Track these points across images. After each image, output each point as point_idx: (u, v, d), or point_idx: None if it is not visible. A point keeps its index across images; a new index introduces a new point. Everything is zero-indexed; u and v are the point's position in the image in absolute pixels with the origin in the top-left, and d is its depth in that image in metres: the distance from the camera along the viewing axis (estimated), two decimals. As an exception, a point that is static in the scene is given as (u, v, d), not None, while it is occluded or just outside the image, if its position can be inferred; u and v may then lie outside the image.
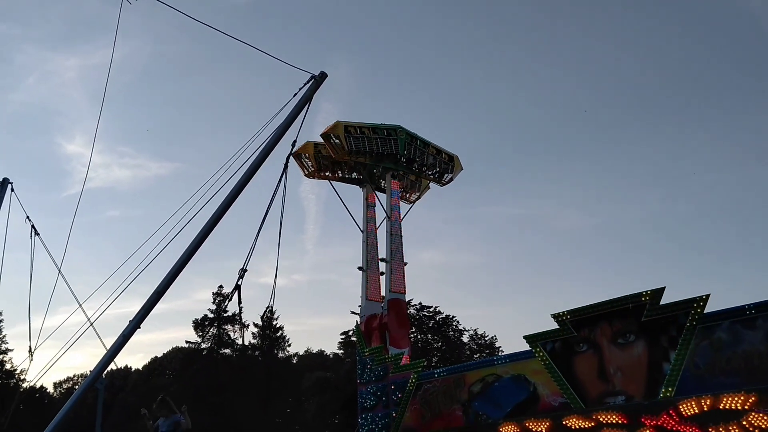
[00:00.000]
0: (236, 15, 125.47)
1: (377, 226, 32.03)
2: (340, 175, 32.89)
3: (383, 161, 32.34)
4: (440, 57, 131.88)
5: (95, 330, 17.17)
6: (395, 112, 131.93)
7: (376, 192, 32.78)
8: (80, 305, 18.58)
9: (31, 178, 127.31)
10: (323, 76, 14.72)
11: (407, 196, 34.69)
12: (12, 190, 21.94)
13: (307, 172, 31.93)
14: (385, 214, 31.59)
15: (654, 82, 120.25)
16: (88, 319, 16.18)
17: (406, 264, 31.56)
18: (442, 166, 34.30)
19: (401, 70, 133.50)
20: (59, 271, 20.83)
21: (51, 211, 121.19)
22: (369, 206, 32.35)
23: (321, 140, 31.09)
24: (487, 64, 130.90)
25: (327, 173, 32.74)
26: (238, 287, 14.05)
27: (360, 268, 31.19)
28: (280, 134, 14.43)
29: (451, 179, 35.42)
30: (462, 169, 35.12)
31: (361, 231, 31.99)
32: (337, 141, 30.74)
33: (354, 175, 32.94)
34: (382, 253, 31.06)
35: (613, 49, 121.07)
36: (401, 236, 31.96)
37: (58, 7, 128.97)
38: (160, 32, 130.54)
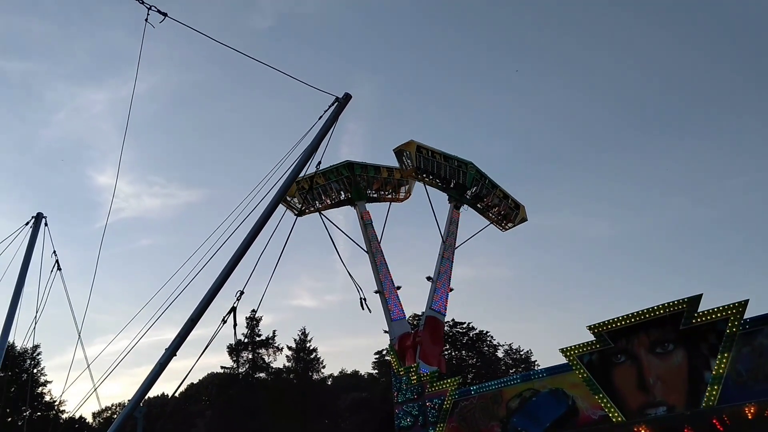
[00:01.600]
0: (258, 39, 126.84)
1: (379, 239, 32.37)
2: (330, 202, 32.84)
3: (449, 190, 33.33)
4: (462, 74, 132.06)
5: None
6: (419, 129, 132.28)
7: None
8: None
9: (64, 211, 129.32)
10: (347, 97, 14.78)
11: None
12: (46, 224, 22.27)
13: (296, 212, 31.74)
14: (441, 238, 32.25)
15: (674, 91, 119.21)
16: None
17: (452, 290, 31.94)
18: (506, 210, 35.02)
19: (424, 89, 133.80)
20: (71, 308, 21.04)
21: (84, 243, 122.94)
22: (366, 224, 32.51)
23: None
24: (508, 80, 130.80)
25: (316, 205, 32.76)
26: (233, 309, 14.05)
27: (377, 292, 31.38)
28: (307, 157, 14.50)
29: (513, 226, 36.10)
30: (526, 219, 35.73)
31: (366, 252, 32.14)
32: (408, 159, 31.87)
33: (342, 196, 32.94)
34: (392, 268, 31.76)
35: (634, 63, 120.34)
36: (452, 261, 32.42)
37: (84, 42, 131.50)
38: (184, 60, 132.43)
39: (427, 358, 28.89)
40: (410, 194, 35.08)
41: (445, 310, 31.80)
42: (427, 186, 33.06)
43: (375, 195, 34.10)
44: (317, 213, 32.25)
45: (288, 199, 31.07)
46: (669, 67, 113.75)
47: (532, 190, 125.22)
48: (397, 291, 31.73)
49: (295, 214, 30.85)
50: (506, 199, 35.14)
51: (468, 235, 35.07)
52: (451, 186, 33.58)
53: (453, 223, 33.22)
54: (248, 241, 14.08)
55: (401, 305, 31.40)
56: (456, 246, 32.94)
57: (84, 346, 20.93)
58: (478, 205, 34.69)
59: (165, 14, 14.16)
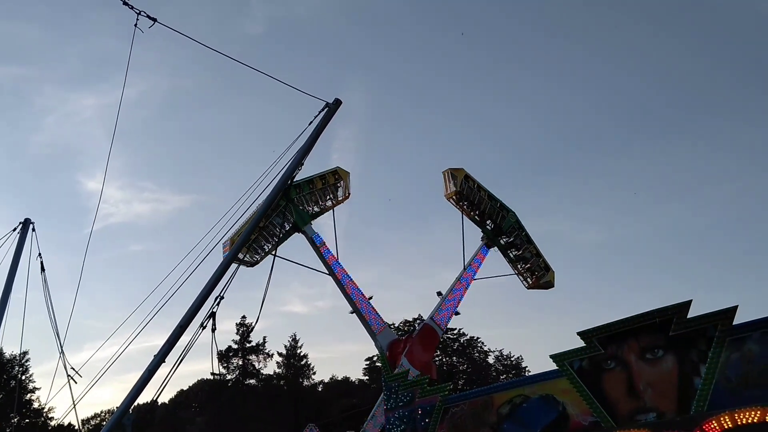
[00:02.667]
0: (249, 44, 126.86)
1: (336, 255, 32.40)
2: (278, 239, 32.33)
3: (484, 228, 33.88)
4: (454, 80, 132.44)
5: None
6: (411, 135, 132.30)
7: None
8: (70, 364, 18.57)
9: (54, 217, 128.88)
10: (337, 103, 14.77)
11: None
12: (33, 230, 22.13)
13: (250, 265, 31.83)
14: (462, 265, 32.81)
15: (666, 97, 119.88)
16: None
17: (458, 314, 32.32)
18: (535, 268, 35.42)
19: (416, 94, 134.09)
20: (51, 312, 20.81)
21: (74, 249, 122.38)
22: (319, 247, 32.52)
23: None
24: (501, 86, 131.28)
25: (266, 248, 32.62)
26: (213, 314, 13.98)
27: (351, 312, 31.62)
28: (298, 162, 14.48)
29: (536, 287, 36.56)
30: (553, 286, 36.10)
31: (328, 273, 32.22)
32: (453, 182, 32.55)
33: (288, 226, 32.74)
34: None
35: (627, 68, 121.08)
36: (467, 288, 32.98)
37: (74, 48, 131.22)
38: (174, 66, 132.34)
39: (414, 362, 29.06)
40: (349, 192, 34.59)
41: (445, 326, 32.19)
42: (463, 216, 33.53)
43: (318, 209, 33.70)
44: (271, 255, 32.07)
45: (241, 256, 30.64)
46: (662, 72, 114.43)
47: (524, 194, 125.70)
48: (370, 301, 31.91)
49: (250, 266, 30.84)
50: (538, 257, 35.73)
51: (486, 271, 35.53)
52: (488, 225, 34.19)
53: (482, 254, 34.04)
54: (238, 246, 14.06)
55: (379, 316, 31.62)
56: (476, 278, 33.65)
57: (65, 355, 20.71)
58: (509, 253, 35.32)
59: (155, 19, 14.12)
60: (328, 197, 33.60)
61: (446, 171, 33.74)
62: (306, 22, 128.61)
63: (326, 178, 33.40)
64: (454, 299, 33.13)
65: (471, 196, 34.41)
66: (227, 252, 28.29)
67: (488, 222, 35.22)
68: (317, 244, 32.30)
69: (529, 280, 36.42)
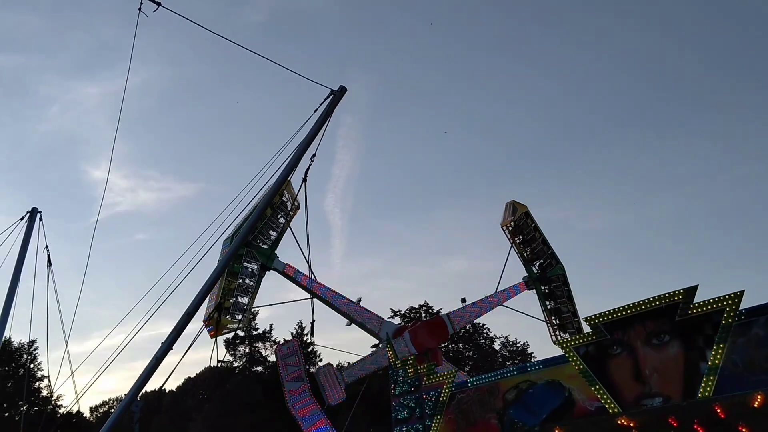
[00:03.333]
0: (254, 32, 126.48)
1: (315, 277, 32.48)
2: (254, 291, 31.81)
3: (530, 267, 34.22)
4: (459, 68, 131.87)
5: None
6: (415, 123, 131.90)
7: None
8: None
9: (60, 206, 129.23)
10: (342, 90, 14.78)
11: None
12: (40, 219, 22.20)
13: (242, 329, 31.41)
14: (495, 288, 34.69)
15: (667, 87, 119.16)
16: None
17: (464, 301, 32.66)
18: (569, 326, 35.62)
19: (420, 82, 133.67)
20: (58, 307, 21.00)
21: (79, 238, 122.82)
22: (296, 277, 32.41)
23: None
24: (505, 71, 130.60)
25: (247, 308, 31.84)
26: (220, 305, 14.07)
27: (348, 324, 31.91)
28: (303, 150, 14.51)
29: (559, 343, 36.68)
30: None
31: (311, 298, 32.10)
32: (512, 214, 32.81)
33: (257, 269, 31.97)
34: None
35: (628, 60, 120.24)
36: (489, 309, 33.45)
37: (76, 37, 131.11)
38: (178, 54, 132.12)
39: (415, 343, 29.33)
40: (297, 201, 33.14)
41: (458, 328, 32.48)
42: (512, 248, 33.84)
43: (275, 234, 32.80)
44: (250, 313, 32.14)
45: (230, 326, 30.64)
46: (662, 64, 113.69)
47: (528, 183, 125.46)
48: (360, 304, 32.03)
49: (240, 328, 30.82)
50: (575, 317, 35.57)
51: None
52: (534, 267, 34.49)
53: (515, 290, 34.41)
54: (244, 235, 14.09)
55: (374, 314, 31.95)
56: (503, 305, 34.09)
57: (68, 345, 20.89)
58: (547, 303, 35.44)
59: (159, 3, 14.14)
60: (279, 216, 32.67)
61: (510, 202, 34.48)
62: (308, 10, 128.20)
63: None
64: (474, 312, 33.74)
65: (526, 233, 34.72)
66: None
67: (535, 264, 35.45)
68: (293, 277, 32.07)
69: (558, 335, 36.28)
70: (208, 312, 27.90)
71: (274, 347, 37.04)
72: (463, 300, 33.42)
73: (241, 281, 30.19)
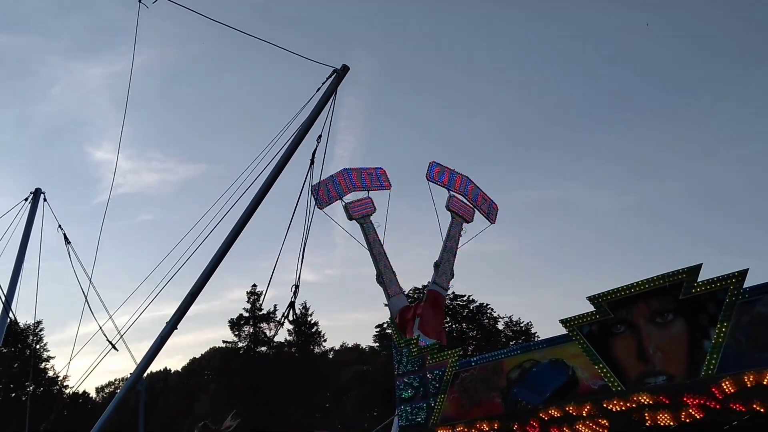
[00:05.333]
0: (255, 12, 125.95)
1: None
2: None
3: None
4: (462, 43, 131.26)
5: (125, 343, 17.36)
6: (419, 103, 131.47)
7: None
8: (110, 316, 18.80)
9: (62, 188, 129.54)
10: (345, 69, 14.69)
11: None
12: (45, 200, 22.19)
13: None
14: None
15: (678, 56, 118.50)
16: (118, 331, 16.37)
17: (453, 276, 32.44)
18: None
19: (425, 61, 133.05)
20: (90, 281, 21.01)
21: (83, 219, 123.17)
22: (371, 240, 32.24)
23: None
24: (511, 47, 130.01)
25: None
26: (292, 304, 14.15)
27: (379, 281, 31.68)
28: (305, 130, 14.47)
29: None
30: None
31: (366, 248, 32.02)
32: None
33: None
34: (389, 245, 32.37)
35: (640, 29, 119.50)
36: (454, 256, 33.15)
37: (78, 17, 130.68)
38: (180, 35, 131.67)
39: (426, 331, 29.19)
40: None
41: (448, 286, 32.26)
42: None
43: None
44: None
45: None
46: (665, 44, 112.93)
47: (535, 160, 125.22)
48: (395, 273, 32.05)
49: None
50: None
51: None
52: None
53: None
54: (247, 215, 14.11)
55: (399, 284, 31.80)
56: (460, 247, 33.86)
57: (96, 318, 20.85)
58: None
59: (159, -6, 14.00)
60: None
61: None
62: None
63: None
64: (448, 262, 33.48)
65: None
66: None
67: None
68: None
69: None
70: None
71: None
72: (436, 264, 33.32)
73: None
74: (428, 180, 34.46)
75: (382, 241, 31.97)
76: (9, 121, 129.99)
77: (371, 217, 32.04)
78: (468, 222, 34.88)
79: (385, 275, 31.44)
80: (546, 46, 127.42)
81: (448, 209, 34.25)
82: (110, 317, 18.97)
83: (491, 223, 35.95)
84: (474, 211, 35.18)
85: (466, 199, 35.13)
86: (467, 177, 35.46)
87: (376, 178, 33.03)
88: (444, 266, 32.52)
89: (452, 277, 32.70)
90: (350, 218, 31.73)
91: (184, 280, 14.82)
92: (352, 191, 32.02)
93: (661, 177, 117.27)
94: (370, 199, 32.47)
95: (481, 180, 35.73)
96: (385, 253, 31.95)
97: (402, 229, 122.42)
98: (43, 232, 21.74)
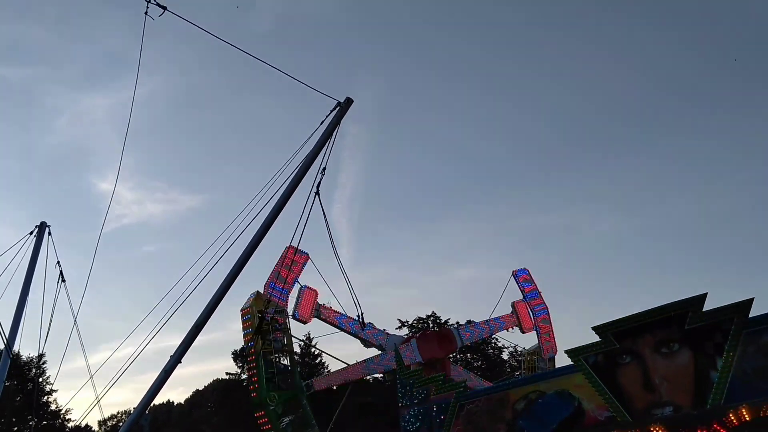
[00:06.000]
0: (257, 41, 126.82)
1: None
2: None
3: None
4: (464, 76, 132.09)
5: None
6: (422, 130, 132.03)
7: None
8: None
9: (66, 219, 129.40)
10: (349, 102, 14.77)
11: None
12: (49, 233, 22.23)
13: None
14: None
15: (675, 88, 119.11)
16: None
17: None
18: None
19: (426, 91, 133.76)
20: (75, 321, 21.03)
21: (87, 250, 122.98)
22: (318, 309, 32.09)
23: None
24: (511, 80, 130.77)
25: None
26: (259, 326, 14.10)
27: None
28: (309, 163, 14.51)
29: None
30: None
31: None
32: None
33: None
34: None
35: (633, 60, 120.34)
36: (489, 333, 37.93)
37: (83, 47, 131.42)
38: (184, 64, 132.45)
39: (422, 351, 29.41)
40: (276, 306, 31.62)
41: (465, 342, 33.17)
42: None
43: (280, 337, 32.30)
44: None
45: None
46: (669, 64, 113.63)
47: (535, 187, 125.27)
48: (366, 325, 31.82)
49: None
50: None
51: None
52: None
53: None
54: (251, 248, 14.10)
55: (377, 330, 32.01)
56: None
57: (86, 356, 20.89)
58: None
59: (164, 7, 14.13)
60: (275, 334, 31.66)
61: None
62: (315, 16, 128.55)
63: (264, 331, 30.84)
64: (484, 329, 34.82)
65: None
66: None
67: None
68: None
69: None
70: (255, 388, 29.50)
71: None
72: (469, 322, 34.68)
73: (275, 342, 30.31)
74: (513, 277, 37.36)
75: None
76: (14, 152, 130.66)
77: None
78: (522, 332, 37.91)
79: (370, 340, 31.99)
80: (551, 71, 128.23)
81: (513, 307, 37.12)
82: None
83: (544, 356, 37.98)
84: (533, 333, 37.80)
85: (534, 319, 37.51)
86: (547, 308, 37.91)
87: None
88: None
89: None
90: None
91: (188, 311, 14.84)
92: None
93: (665, 202, 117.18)
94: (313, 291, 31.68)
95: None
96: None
97: (405, 257, 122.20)
98: (48, 266, 21.81)
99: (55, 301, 21.11)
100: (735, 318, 13.51)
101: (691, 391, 13.97)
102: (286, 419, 30.24)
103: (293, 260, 29.05)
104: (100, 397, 16.69)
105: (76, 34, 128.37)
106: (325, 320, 31.72)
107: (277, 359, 30.80)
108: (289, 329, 31.72)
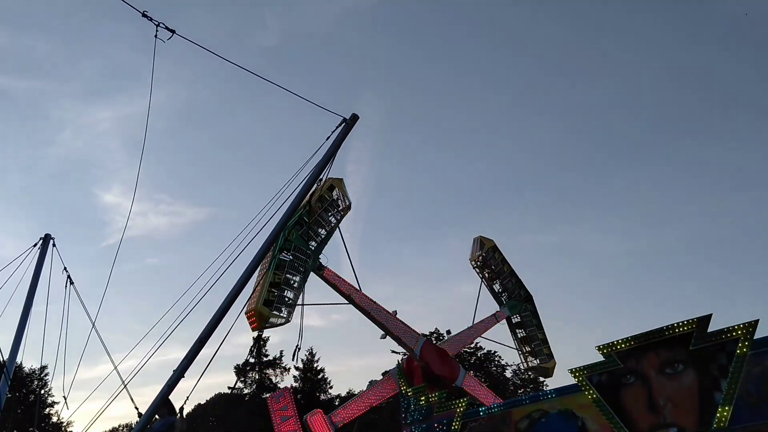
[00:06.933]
0: (264, 57, 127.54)
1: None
2: (298, 286, 30.77)
3: (500, 300, 35.31)
4: (470, 91, 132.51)
5: (128, 392, 17.33)
6: (427, 146, 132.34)
7: None
8: (115, 366, 18.74)
9: (71, 231, 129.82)
10: (354, 118, 14.84)
11: None
12: (54, 245, 22.29)
13: (284, 322, 30.00)
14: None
15: (685, 97, 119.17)
16: (122, 380, 16.30)
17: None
18: (539, 353, 36.95)
19: (431, 106, 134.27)
20: (93, 324, 20.96)
21: (91, 263, 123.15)
22: (336, 284, 31.77)
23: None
24: (517, 94, 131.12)
25: (298, 300, 30.93)
26: (259, 337, 14.11)
27: (383, 337, 31.73)
28: (315, 178, 14.59)
29: (533, 371, 38.51)
30: (551, 375, 38.21)
31: (348, 303, 31.79)
32: (480, 249, 35.47)
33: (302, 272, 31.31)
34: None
35: (643, 67, 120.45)
36: (473, 340, 34.94)
37: (89, 60, 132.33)
38: (191, 78, 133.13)
39: (425, 356, 29.31)
40: (349, 200, 32.85)
41: (419, 335, 32.71)
42: (482, 282, 34.98)
43: (325, 232, 32.23)
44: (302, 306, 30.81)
45: (273, 321, 29.28)
46: (679, 76, 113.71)
47: (541, 205, 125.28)
48: (396, 316, 31.77)
49: (285, 323, 29.92)
50: (544, 344, 37.16)
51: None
52: (503, 297, 35.68)
53: (491, 320, 35.39)
54: (256, 262, 14.13)
55: (412, 330, 31.65)
56: (476, 337, 35.29)
57: (110, 357, 20.75)
58: (517, 331, 36.86)
59: (173, 31, 14.24)
60: (330, 215, 32.13)
61: (477, 238, 35.46)
62: (319, 33, 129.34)
63: (323, 197, 31.61)
64: (458, 343, 34.77)
65: (494, 267, 35.61)
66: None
67: (504, 295, 36.37)
68: (333, 284, 31.56)
69: (530, 362, 38.00)
70: (251, 306, 27.24)
71: (268, 397, 36.18)
72: (448, 332, 34.62)
73: (289, 275, 29.74)
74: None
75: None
76: (19, 164, 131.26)
77: None
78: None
79: (393, 330, 31.53)
80: (549, 93, 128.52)
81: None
82: (116, 366, 18.90)
83: None
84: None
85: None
86: None
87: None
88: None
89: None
90: None
91: (191, 325, 14.85)
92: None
93: (668, 222, 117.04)
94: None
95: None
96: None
97: (408, 274, 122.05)
98: (52, 278, 21.83)
99: (66, 308, 21.01)
100: (740, 339, 13.44)
101: (695, 412, 13.88)
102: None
103: None
104: (102, 410, 16.68)
105: (81, 48, 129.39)
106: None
107: (292, 280, 30.07)
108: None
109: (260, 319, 27.78)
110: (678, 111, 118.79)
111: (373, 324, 31.10)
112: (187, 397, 15.28)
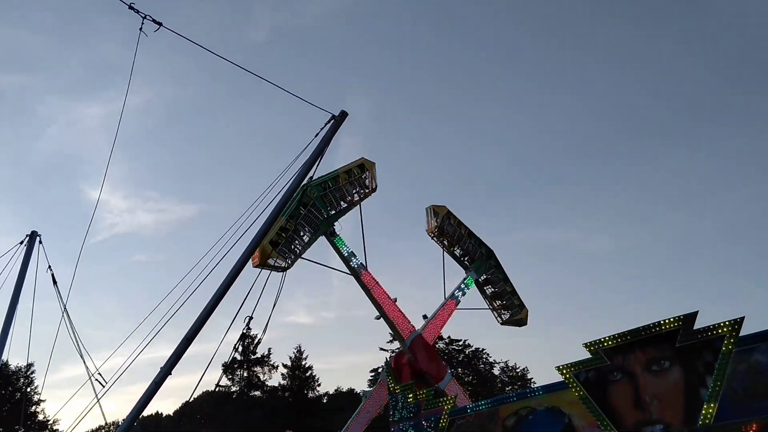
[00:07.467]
0: (253, 52, 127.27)
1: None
2: (306, 242, 31.40)
3: (463, 263, 34.97)
4: (459, 86, 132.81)
5: (97, 397, 17.27)
6: (415, 142, 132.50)
7: None
8: (96, 368, 18.63)
9: (57, 227, 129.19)
10: (343, 115, 14.81)
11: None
12: (40, 242, 22.15)
13: (283, 269, 30.16)
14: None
15: (672, 103, 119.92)
16: (104, 383, 16.22)
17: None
18: (510, 306, 36.57)
19: (419, 103, 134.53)
20: (69, 326, 20.81)
21: (76, 259, 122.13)
22: (347, 255, 31.99)
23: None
24: (504, 93, 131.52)
25: (297, 251, 31.29)
26: (244, 335, 14.08)
27: (378, 317, 31.64)
28: (303, 175, 14.56)
29: (508, 324, 37.87)
30: (525, 324, 37.57)
31: (350, 274, 31.87)
32: (435, 218, 34.38)
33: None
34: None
35: (630, 74, 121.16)
36: (450, 315, 34.12)
37: (77, 56, 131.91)
38: (179, 74, 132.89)
39: (414, 350, 29.22)
40: (376, 183, 33.42)
41: (432, 342, 32.47)
42: (443, 251, 34.66)
43: (345, 204, 32.87)
44: (301, 259, 31.05)
45: (271, 262, 29.36)
46: (667, 79, 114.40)
47: (530, 203, 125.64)
48: (396, 304, 31.87)
49: (284, 269, 29.88)
50: (514, 296, 36.94)
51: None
52: (465, 261, 35.33)
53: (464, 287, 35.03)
54: (243, 259, 14.09)
55: (407, 319, 31.67)
56: (458, 308, 34.72)
57: (85, 363, 20.69)
58: (485, 289, 36.56)
59: (160, 23, 14.16)
60: (354, 191, 32.77)
61: (429, 207, 35.13)
62: (309, 28, 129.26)
63: (352, 171, 32.37)
64: (438, 324, 34.18)
65: (451, 233, 35.42)
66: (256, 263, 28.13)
67: (466, 258, 36.23)
68: (343, 252, 31.75)
69: (503, 316, 37.75)
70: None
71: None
72: (425, 317, 33.77)
73: (300, 228, 29.90)
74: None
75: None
76: (6, 160, 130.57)
77: None
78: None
79: (389, 314, 31.46)
80: (539, 95, 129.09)
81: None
82: (104, 361, 18.83)
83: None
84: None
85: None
86: None
87: None
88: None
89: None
90: None
91: (178, 322, 14.81)
92: None
93: (654, 221, 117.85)
94: None
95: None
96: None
97: (400, 270, 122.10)
98: (38, 275, 21.69)
99: (64, 307, 20.92)
100: (726, 336, 13.52)
101: (681, 409, 13.95)
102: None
103: None
104: (90, 408, 16.62)
105: (70, 43, 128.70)
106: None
107: (302, 232, 30.17)
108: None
109: (262, 255, 28.16)
110: (662, 114, 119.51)
111: (367, 325, 31.46)
112: (192, 393, 15.26)
